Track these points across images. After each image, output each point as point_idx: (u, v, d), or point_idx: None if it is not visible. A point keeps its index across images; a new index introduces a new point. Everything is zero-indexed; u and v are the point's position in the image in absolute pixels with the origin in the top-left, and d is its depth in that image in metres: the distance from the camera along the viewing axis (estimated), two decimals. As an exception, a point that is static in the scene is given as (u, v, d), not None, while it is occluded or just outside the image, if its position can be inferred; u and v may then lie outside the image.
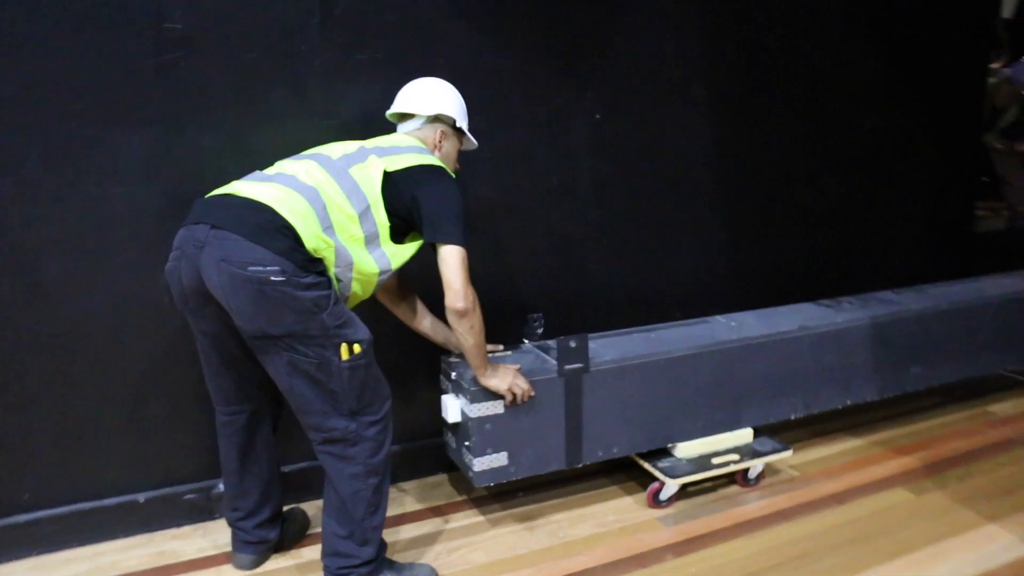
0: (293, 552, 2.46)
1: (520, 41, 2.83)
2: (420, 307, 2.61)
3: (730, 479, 2.91)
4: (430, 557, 2.42)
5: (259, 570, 2.37)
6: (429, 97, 2.35)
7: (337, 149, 2.20)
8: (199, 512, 2.62)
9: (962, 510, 2.71)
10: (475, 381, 2.38)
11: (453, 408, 2.49)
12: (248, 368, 2.14)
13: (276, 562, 2.40)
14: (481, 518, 2.67)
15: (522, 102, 2.88)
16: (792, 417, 3.01)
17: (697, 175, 3.31)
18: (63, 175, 2.29)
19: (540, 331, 2.88)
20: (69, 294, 2.36)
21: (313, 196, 2.02)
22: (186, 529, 2.59)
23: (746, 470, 2.85)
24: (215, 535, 2.55)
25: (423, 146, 2.28)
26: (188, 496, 2.59)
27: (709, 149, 3.31)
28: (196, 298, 2.02)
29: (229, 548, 2.43)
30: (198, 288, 1.98)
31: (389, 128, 2.49)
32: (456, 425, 2.54)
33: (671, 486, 2.70)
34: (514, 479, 2.54)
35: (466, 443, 2.47)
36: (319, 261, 1.99)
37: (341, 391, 2.01)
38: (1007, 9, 4.12)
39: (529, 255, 2.99)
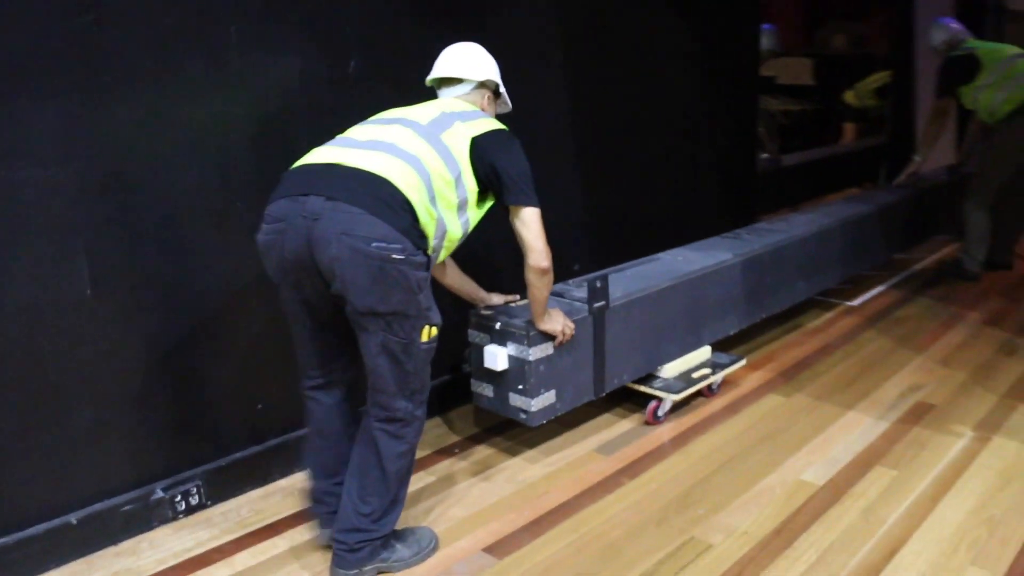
0: (287, 534, 2.43)
1: (419, 10, 2.88)
2: (449, 262, 2.70)
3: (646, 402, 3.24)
4: (412, 520, 2.47)
5: (262, 556, 2.31)
6: (476, 62, 2.38)
7: (422, 114, 2.19)
8: (137, 523, 2.43)
9: (824, 404, 3.27)
10: (531, 326, 2.61)
11: (501, 356, 2.66)
12: (338, 337, 2.15)
13: (275, 545, 2.35)
14: (433, 478, 2.76)
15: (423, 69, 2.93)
16: (732, 333, 3.57)
17: (557, 136, 3.56)
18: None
19: None
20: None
21: (419, 167, 2.03)
22: (128, 544, 2.40)
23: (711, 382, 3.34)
24: (165, 544, 2.40)
25: (483, 111, 2.33)
26: (125, 508, 2.40)
27: (566, 111, 3.57)
28: (297, 271, 1.99)
29: (193, 553, 2.33)
30: (303, 260, 1.96)
31: (320, 96, 2.47)
32: (502, 373, 2.71)
33: (668, 402, 3.12)
34: (559, 414, 2.81)
35: (520, 387, 2.68)
36: (426, 238, 2.02)
37: (413, 372, 2.07)
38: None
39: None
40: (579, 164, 3.70)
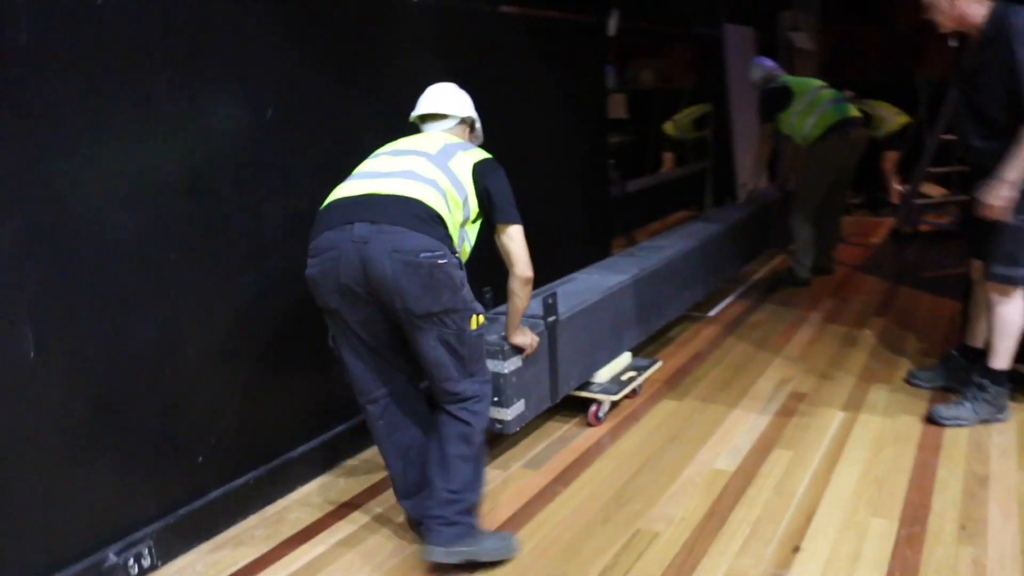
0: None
1: (325, 64, 3.03)
2: None
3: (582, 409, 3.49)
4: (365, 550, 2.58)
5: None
6: (458, 101, 2.71)
7: (429, 144, 2.47)
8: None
9: (712, 404, 3.65)
10: (504, 341, 2.89)
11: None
12: (389, 353, 2.44)
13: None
14: (368, 517, 2.86)
15: (331, 115, 3.07)
16: (644, 339, 4.01)
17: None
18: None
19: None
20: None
21: (437, 188, 2.32)
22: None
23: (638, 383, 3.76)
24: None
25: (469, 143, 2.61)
26: None
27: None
28: (351, 293, 2.29)
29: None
30: (358, 281, 2.27)
31: (242, 142, 2.59)
32: None
33: (607, 403, 3.52)
34: (526, 422, 3.10)
35: (496, 399, 2.89)
36: (454, 243, 2.30)
37: (468, 356, 2.39)
38: (611, 28, 5.27)
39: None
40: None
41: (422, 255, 2.23)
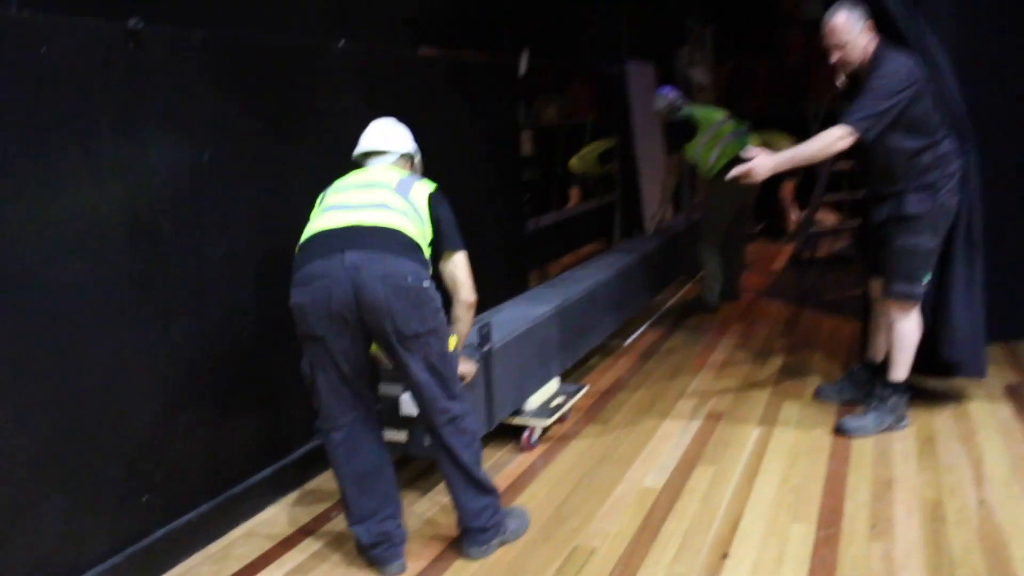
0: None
1: (257, 112, 3.13)
2: None
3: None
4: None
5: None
6: (399, 137, 2.92)
7: (388, 178, 2.70)
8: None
9: (637, 425, 3.86)
10: None
11: (412, 403, 2.88)
12: (359, 383, 2.64)
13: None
14: (320, 544, 2.93)
15: (262, 160, 3.17)
16: (569, 365, 4.22)
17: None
18: None
19: None
20: None
21: (407, 217, 2.56)
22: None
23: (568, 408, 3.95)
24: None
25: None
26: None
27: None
28: (340, 320, 2.49)
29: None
30: (349, 307, 2.47)
31: (180, 184, 2.69)
32: (414, 419, 3.04)
33: (539, 428, 3.69)
34: None
35: None
36: (429, 268, 2.53)
37: (450, 377, 2.66)
38: (521, 68, 5.50)
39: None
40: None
41: (409, 279, 2.51)
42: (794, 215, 8.13)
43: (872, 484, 3.13)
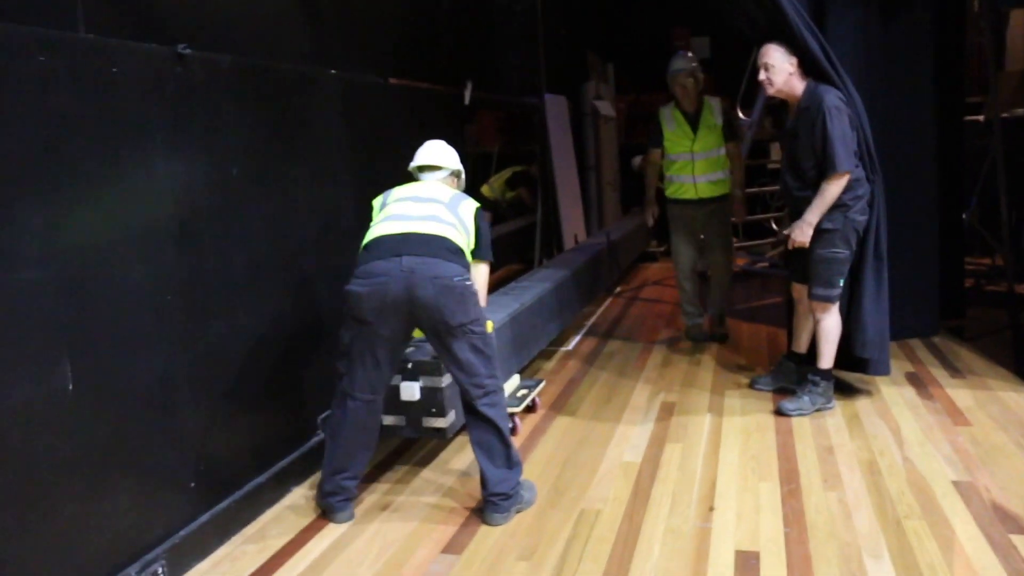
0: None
1: (275, 135, 3.47)
2: None
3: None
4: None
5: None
6: (451, 155, 3.44)
7: (441, 193, 3.17)
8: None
9: (602, 416, 4.34)
10: (437, 359, 3.42)
11: (415, 389, 3.40)
12: (388, 368, 3.17)
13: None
14: (327, 543, 3.25)
15: (281, 174, 3.50)
16: (526, 363, 4.63)
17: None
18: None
19: None
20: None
21: (455, 228, 3.04)
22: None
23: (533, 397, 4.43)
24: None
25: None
26: (103, 595, 2.59)
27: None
28: (392, 310, 3.01)
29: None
30: (401, 300, 3.00)
31: (214, 195, 3.06)
32: (413, 403, 3.46)
33: (516, 415, 4.14)
34: (457, 429, 3.72)
35: (433, 409, 3.45)
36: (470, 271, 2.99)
37: (493, 356, 3.21)
38: (466, 97, 5.93)
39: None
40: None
41: (455, 279, 3.02)
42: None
43: (816, 451, 3.72)
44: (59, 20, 2.48)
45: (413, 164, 3.43)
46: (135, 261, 2.75)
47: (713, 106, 5.46)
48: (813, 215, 4.02)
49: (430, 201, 3.20)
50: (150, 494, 2.79)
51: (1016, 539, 2.86)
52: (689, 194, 5.52)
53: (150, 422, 2.79)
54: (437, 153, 3.42)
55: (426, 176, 3.38)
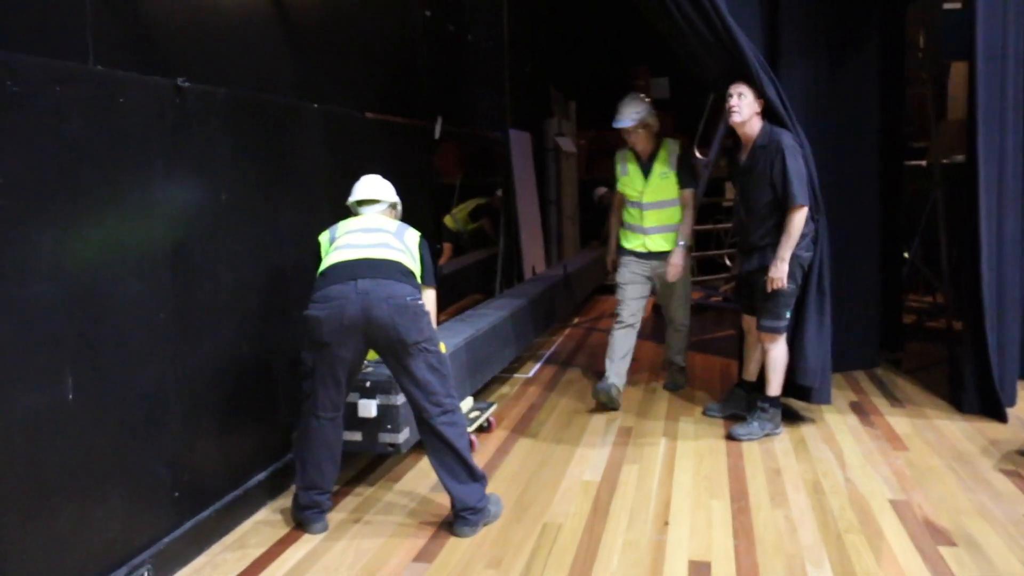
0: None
1: (259, 166, 3.69)
2: None
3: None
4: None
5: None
6: (387, 189, 3.68)
7: (387, 224, 3.43)
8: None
9: (562, 439, 4.58)
10: (392, 379, 3.55)
11: (372, 406, 3.61)
12: (345, 388, 3.39)
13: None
14: (310, 547, 3.44)
15: (268, 201, 3.71)
16: (480, 387, 4.88)
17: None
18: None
19: None
20: None
21: (403, 254, 3.30)
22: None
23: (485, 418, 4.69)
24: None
25: None
26: (93, 596, 2.74)
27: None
28: (350, 331, 3.22)
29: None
30: (358, 321, 3.20)
31: (205, 218, 3.29)
32: (369, 420, 3.65)
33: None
34: (411, 445, 3.93)
35: (388, 426, 3.67)
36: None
37: (449, 375, 3.40)
38: (437, 131, 6.18)
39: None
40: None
41: (408, 299, 3.26)
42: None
43: (765, 472, 3.99)
44: (71, 52, 2.68)
45: (352, 199, 3.66)
46: (132, 279, 2.93)
47: (670, 151, 5.07)
48: (785, 251, 4.31)
49: (378, 231, 3.45)
50: (139, 502, 2.96)
51: (944, 551, 3.15)
52: (637, 246, 5.15)
53: (141, 433, 2.96)
54: (375, 187, 3.66)
55: (365, 210, 3.62)
